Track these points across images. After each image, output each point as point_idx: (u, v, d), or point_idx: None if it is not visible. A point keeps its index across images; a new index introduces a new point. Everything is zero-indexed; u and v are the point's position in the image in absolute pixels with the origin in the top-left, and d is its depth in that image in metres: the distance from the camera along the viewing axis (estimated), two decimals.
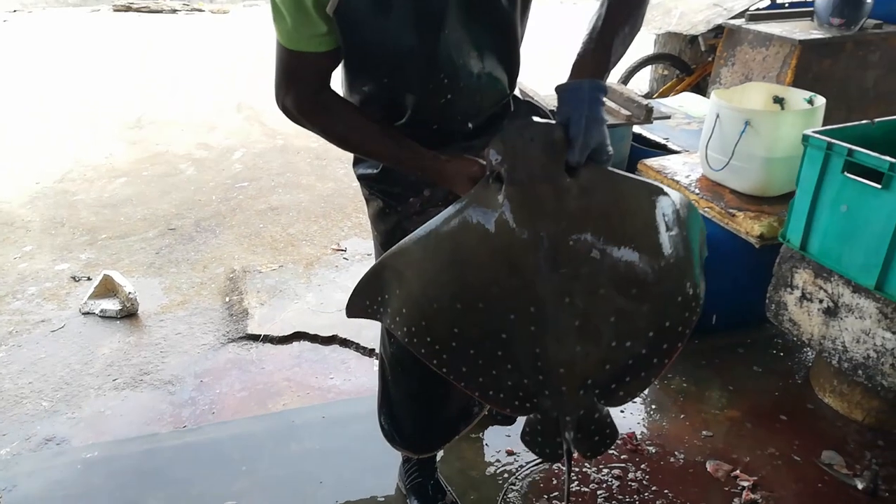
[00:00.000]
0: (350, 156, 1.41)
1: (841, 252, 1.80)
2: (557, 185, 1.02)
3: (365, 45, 1.15)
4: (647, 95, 4.28)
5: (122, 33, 7.97)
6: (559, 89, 1.07)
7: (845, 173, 1.75)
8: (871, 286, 1.72)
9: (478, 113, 1.29)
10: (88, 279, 2.88)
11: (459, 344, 1.07)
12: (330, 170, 4.11)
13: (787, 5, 4.00)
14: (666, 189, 1.05)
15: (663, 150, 2.91)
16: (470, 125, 1.29)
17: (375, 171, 1.35)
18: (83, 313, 2.67)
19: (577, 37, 1.14)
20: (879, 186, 1.66)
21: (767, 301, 2.09)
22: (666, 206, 1.03)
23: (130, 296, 2.65)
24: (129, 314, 2.65)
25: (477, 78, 1.21)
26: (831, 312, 1.87)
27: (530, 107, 1.31)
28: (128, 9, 9.01)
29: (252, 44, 7.39)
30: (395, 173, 1.30)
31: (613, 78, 3.71)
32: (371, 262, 3.07)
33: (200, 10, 9.14)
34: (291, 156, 4.33)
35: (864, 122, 1.93)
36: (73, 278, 2.91)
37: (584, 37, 1.12)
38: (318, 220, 3.50)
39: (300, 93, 1.18)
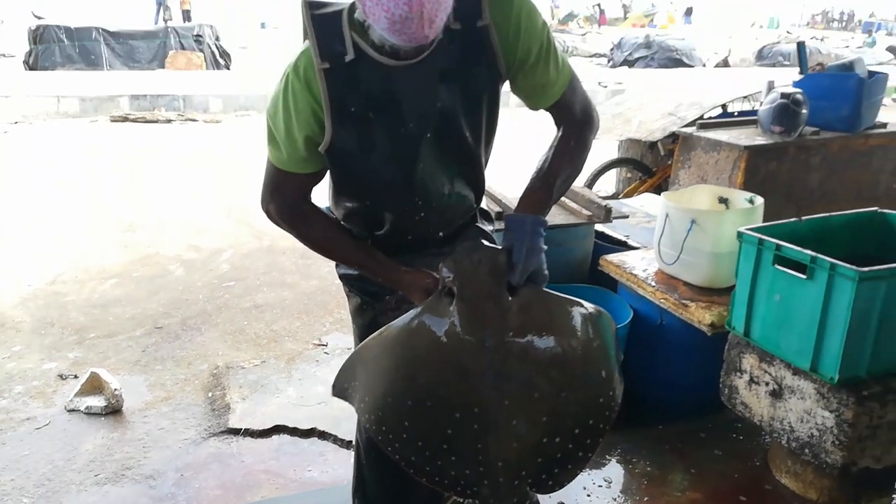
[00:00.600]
0: None
1: (779, 337, 1.96)
2: (500, 302, 1.21)
3: (350, 175, 1.36)
4: (614, 196, 4.56)
5: (119, 142, 8.34)
6: (507, 219, 1.28)
7: (776, 266, 1.94)
8: (806, 368, 1.87)
9: (447, 225, 1.49)
10: (75, 377, 2.96)
11: (409, 436, 1.22)
12: (314, 268, 4.27)
13: (735, 114, 4.37)
14: (585, 304, 1.24)
15: (624, 246, 3.12)
16: (441, 234, 1.48)
17: (355, 271, 1.52)
18: (68, 410, 2.73)
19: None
20: (805, 277, 1.85)
21: (721, 385, 2.22)
22: (588, 320, 1.23)
23: (116, 392, 2.73)
24: (113, 410, 2.72)
25: (447, 198, 1.42)
26: (777, 394, 2.00)
27: (480, 232, 1.52)
28: (125, 119, 9.46)
29: (243, 151, 7.77)
30: None
31: (580, 182, 3.98)
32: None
33: (194, 120, 9.60)
34: (278, 256, 4.51)
35: (792, 220, 2.14)
36: (61, 376, 2.99)
37: (532, 175, 1.36)
38: (300, 316, 3.63)
39: (283, 203, 1.38)
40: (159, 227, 5.06)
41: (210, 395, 2.87)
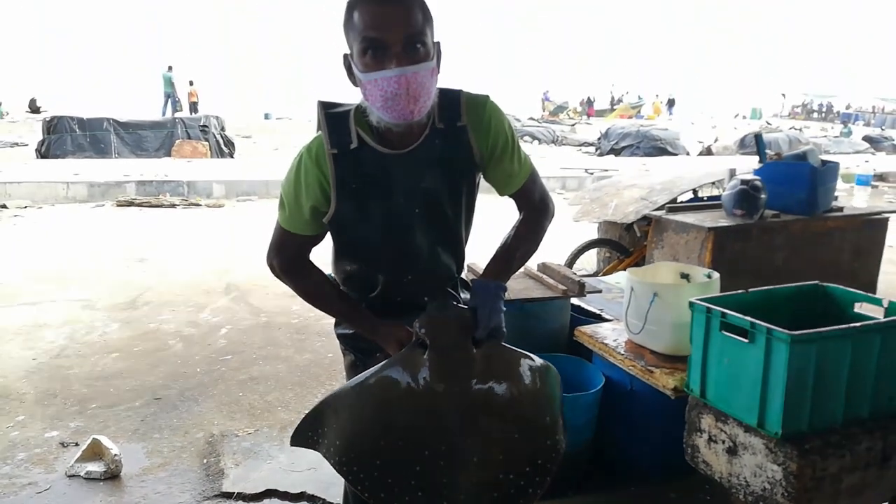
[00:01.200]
0: (329, 325, 1.79)
1: (730, 397, 2.14)
2: (466, 353, 1.41)
3: (350, 241, 1.61)
4: (594, 274, 4.81)
5: (123, 224, 8.67)
6: (473, 283, 1.52)
7: (723, 332, 2.15)
8: (754, 424, 2.04)
9: (431, 290, 1.69)
10: (76, 444, 3.09)
11: (380, 474, 1.38)
12: (308, 343, 4.45)
13: (705, 199, 4.69)
14: (534, 358, 1.46)
15: (598, 318, 3.33)
16: (426, 299, 1.69)
17: (350, 331, 1.73)
18: (69, 476, 2.85)
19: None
20: (747, 341, 2.06)
21: (685, 445, 2.37)
22: (536, 372, 1.45)
23: (116, 458, 2.86)
24: (112, 476, 2.84)
25: (433, 265, 1.66)
26: (732, 451, 2.17)
27: (448, 294, 1.75)
28: (130, 204, 9.84)
29: (243, 233, 8.09)
30: None
31: (560, 260, 4.24)
32: None
33: (197, 205, 9.98)
34: (273, 331, 4.70)
35: (740, 291, 2.37)
36: (62, 444, 3.12)
37: (498, 248, 1.65)
38: (294, 387, 3.79)
39: (285, 258, 1.63)
40: (160, 304, 5.27)
41: (205, 461, 2.99)
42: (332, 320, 1.75)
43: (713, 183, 4.98)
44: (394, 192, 1.54)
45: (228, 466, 2.93)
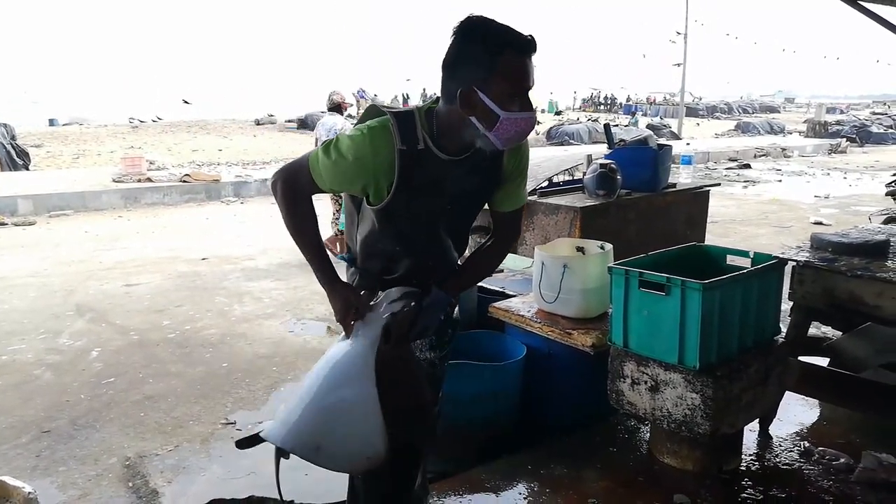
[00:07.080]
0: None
1: (651, 343, 2.52)
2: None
3: (395, 226, 1.73)
4: None
5: None
6: (433, 291, 1.76)
7: (641, 289, 2.53)
8: (675, 362, 2.44)
9: (439, 274, 1.85)
10: None
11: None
12: (195, 356, 4.24)
13: (561, 184, 5.20)
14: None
15: (502, 295, 3.63)
16: (432, 282, 1.84)
17: None
18: None
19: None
20: (664, 294, 2.45)
21: (608, 391, 2.73)
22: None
23: (30, 496, 2.58)
24: None
25: (447, 253, 1.85)
26: (654, 389, 2.55)
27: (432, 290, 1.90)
28: None
29: (70, 250, 7.35)
30: None
31: None
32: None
33: (3, 224, 8.81)
34: (151, 348, 4.41)
35: (642, 255, 2.78)
36: None
37: (466, 261, 1.93)
38: (199, 400, 3.63)
39: (290, 186, 1.68)
40: (3, 335, 4.68)
41: (131, 484, 2.82)
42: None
43: (566, 170, 5.51)
44: (444, 194, 1.71)
45: (160, 485, 2.79)
